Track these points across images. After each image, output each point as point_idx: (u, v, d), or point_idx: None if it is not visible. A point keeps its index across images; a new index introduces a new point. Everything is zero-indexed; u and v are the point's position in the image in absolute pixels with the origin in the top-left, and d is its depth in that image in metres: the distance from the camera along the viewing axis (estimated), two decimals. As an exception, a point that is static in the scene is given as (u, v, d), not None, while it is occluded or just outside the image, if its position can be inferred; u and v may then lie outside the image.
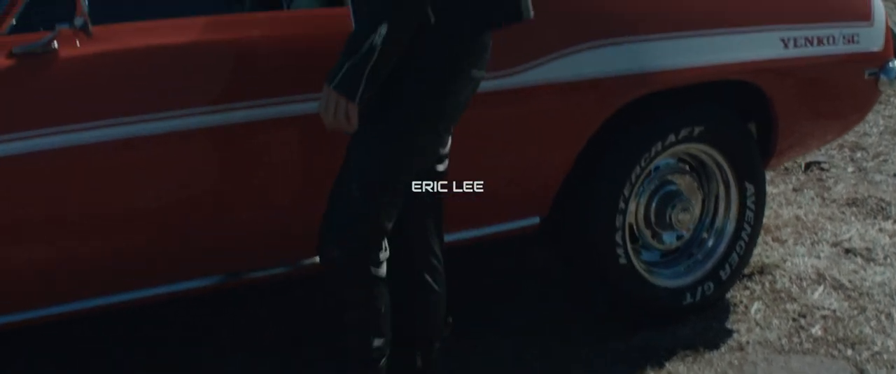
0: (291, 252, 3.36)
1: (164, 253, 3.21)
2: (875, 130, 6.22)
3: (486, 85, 3.29)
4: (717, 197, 4.03)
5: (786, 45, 3.89)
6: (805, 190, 5.34)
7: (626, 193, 3.72)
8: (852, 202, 5.19)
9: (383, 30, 2.63)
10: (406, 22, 2.69)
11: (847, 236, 4.79)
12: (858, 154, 5.88)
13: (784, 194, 5.27)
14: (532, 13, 2.95)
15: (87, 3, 2.90)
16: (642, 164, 3.71)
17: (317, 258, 3.04)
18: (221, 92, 3.07)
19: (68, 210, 3.05)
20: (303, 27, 3.21)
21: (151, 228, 3.15)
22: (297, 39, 3.17)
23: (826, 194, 5.29)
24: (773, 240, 4.70)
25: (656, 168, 3.86)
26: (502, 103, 3.39)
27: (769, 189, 4.96)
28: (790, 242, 4.70)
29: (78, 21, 2.91)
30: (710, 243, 4.04)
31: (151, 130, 3.02)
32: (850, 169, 5.66)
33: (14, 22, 2.98)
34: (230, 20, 3.19)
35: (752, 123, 4.12)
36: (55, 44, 2.95)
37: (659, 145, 3.72)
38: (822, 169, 5.62)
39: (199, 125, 3.07)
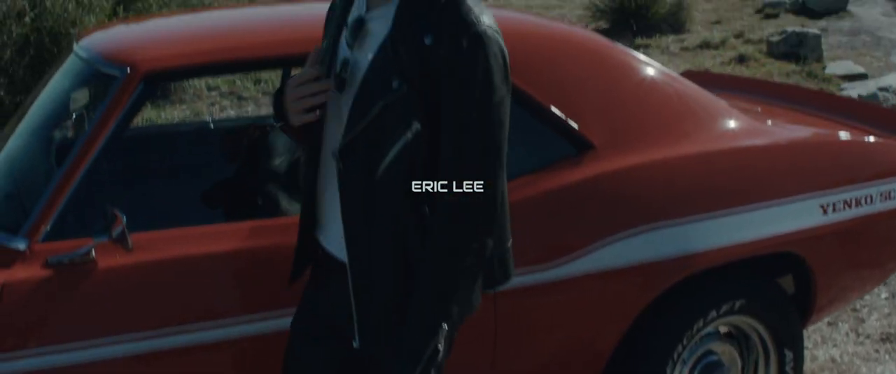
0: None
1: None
2: (907, 247, 6.16)
3: (531, 278, 3.34)
4: (756, 364, 4.00)
5: (824, 212, 3.88)
6: (839, 324, 5.30)
7: (669, 371, 3.68)
8: (886, 338, 5.16)
9: (445, 330, 2.46)
10: (464, 309, 2.53)
11: (881, 380, 4.77)
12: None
13: (819, 330, 5.23)
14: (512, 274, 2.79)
15: (125, 218, 2.89)
16: (685, 342, 3.68)
17: None
18: (267, 300, 3.05)
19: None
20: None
21: None
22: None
23: (860, 329, 5.26)
24: (810, 389, 4.68)
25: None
26: (547, 294, 3.40)
27: (805, 325, 4.94)
28: (826, 390, 4.68)
29: (116, 232, 2.89)
30: (749, 415, 4.02)
31: (194, 340, 3.02)
32: (883, 295, 5.63)
33: (48, 228, 2.97)
34: (271, 225, 3.18)
35: (789, 276, 4.09)
36: (93, 254, 2.94)
37: (701, 322, 3.70)
38: (856, 297, 5.58)
39: (244, 334, 3.06)
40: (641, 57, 3.86)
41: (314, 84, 2.56)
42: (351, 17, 2.60)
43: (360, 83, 2.51)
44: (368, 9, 2.56)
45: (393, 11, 2.49)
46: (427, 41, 2.42)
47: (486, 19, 2.46)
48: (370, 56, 2.51)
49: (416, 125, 2.44)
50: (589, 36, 3.92)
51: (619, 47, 3.88)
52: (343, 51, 2.60)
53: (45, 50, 8.31)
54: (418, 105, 2.44)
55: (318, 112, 2.58)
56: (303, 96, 2.56)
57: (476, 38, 2.42)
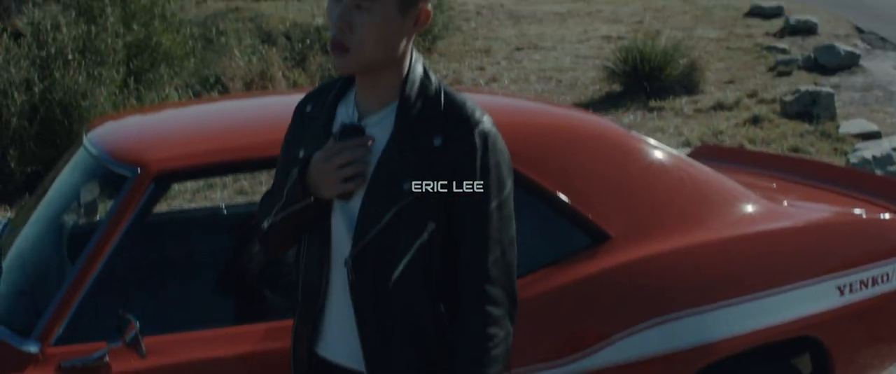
0: None
1: None
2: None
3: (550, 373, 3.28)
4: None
5: (841, 293, 3.85)
6: (858, 397, 5.24)
7: None
8: (902, 412, 5.09)
9: None
10: None
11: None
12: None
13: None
14: None
15: (138, 323, 2.87)
16: (703, 437, 3.64)
17: None
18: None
19: None
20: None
21: None
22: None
23: (877, 404, 5.19)
24: None
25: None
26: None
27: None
28: None
29: (129, 337, 2.87)
30: None
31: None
32: (899, 366, 5.57)
33: (61, 331, 2.96)
34: (284, 327, 3.14)
35: (806, 356, 4.05)
36: (107, 358, 2.92)
37: (720, 415, 3.66)
38: (874, 369, 5.52)
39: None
40: (653, 142, 3.85)
41: (359, 149, 2.48)
42: (341, 124, 2.56)
43: (367, 188, 2.49)
44: (362, 116, 2.54)
45: (392, 116, 2.50)
46: (437, 143, 2.45)
47: (487, 118, 2.50)
48: (373, 161, 2.50)
49: (432, 225, 2.46)
50: (600, 123, 3.92)
51: (632, 134, 3.87)
52: None
53: (55, 121, 8.33)
54: (432, 206, 2.45)
55: (354, 182, 2.48)
56: (345, 164, 2.47)
57: (483, 136, 2.46)
